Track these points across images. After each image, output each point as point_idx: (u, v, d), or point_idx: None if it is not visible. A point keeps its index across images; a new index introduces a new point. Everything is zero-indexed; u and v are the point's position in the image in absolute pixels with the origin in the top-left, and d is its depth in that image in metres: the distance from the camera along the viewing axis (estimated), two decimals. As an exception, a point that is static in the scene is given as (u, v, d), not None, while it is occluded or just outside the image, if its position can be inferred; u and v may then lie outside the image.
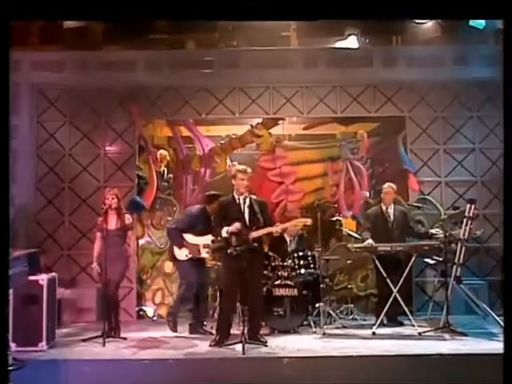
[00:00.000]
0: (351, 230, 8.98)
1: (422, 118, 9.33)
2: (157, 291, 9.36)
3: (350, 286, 8.72)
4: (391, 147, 9.48)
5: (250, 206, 6.45)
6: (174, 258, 7.61)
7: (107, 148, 9.26)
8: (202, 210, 7.48)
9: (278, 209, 9.61)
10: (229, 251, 6.23)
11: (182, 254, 7.47)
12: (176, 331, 7.44)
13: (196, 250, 7.34)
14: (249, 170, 6.54)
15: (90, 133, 9.29)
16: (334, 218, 8.89)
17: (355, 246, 7.61)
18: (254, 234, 6.24)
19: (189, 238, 7.46)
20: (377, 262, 7.45)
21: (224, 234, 6.27)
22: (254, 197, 6.55)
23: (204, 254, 7.36)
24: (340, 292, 8.95)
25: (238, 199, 6.53)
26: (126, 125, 9.25)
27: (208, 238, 7.25)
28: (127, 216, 7.42)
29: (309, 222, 6.59)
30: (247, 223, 6.38)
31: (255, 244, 6.14)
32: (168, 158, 9.66)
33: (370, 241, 7.51)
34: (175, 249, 7.52)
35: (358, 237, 8.23)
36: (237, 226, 6.20)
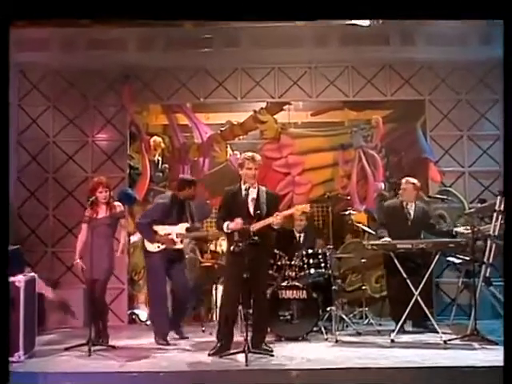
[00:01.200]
0: (365, 225, 8.58)
1: (444, 101, 9.01)
2: None
3: (364, 288, 8.29)
4: (408, 134, 9.15)
5: (257, 199, 6.08)
6: (145, 252, 7.25)
7: (96, 135, 9.00)
8: (172, 197, 7.15)
9: (284, 202, 9.18)
10: (231, 248, 5.91)
11: (153, 246, 7.11)
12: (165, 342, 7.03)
13: (170, 241, 7.01)
14: (258, 157, 6.15)
15: (77, 118, 9.01)
16: (347, 212, 8.33)
17: (372, 242, 7.20)
18: (255, 227, 5.88)
19: (159, 229, 7.12)
20: (396, 260, 6.97)
21: (225, 229, 5.99)
22: (264, 188, 6.21)
23: (179, 245, 7.06)
24: (352, 294, 8.70)
25: (244, 190, 6.16)
26: (117, 110, 9.00)
27: (182, 227, 6.99)
28: (117, 203, 7.00)
29: (307, 207, 6.19)
30: (252, 217, 6.04)
31: (255, 238, 5.81)
32: (162, 145, 9.37)
33: (387, 238, 7.17)
34: (146, 242, 7.16)
35: (373, 233, 7.86)
36: (238, 222, 5.90)
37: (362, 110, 9.45)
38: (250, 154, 6.14)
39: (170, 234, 7.01)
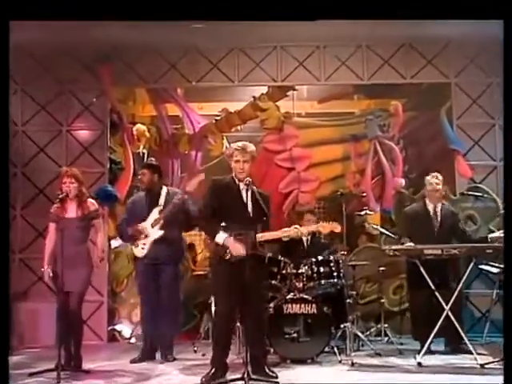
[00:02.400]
0: (384, 227, 8.18)
1: (473, 84, 8.65)
2: (135, 306, 8.53)
3: (382, 301, 7.92)
4: (431, 123, 8.80)
5: (254, 198, 5.63)
6: (134, 259, 7.13)
7: (71, 124, 8.72)
8: (145, 191, 7.07)
9: (288, 201, 9.05)
10: (227, 257, 5.46)
11: (138, 250, 6.90)
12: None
13: (138, 232, 6.87)
14: (250, 147, 5.67)
15: (49, 104, 8.69)
16: (363, 212, 7.96)
17: (394, 247, 6.74)
18: (264, 237, 5.52)
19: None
20: (421, 269, 6.48)
21: (219, 240, 5.50)
22: (255, 188, 5.71)
23: (156, 232, 6.78)
24: (366, 307, 8.46)
25: (239, 186, 5.70)
26: (95, 94, 8.69)
27: (154, 213, 6.74)
28: (91, 201, 6.51)
29: (338, 228, 5.75)
30: (250, 219, 5.59)
31: (262, 250, 5.55)
32: (147, 134, 9.01)
33: (410, 242, 6.74)
34: (133, 248, 6.94)
35: (394, 237, 7.52)
36: (238, 246, 5.48)
37: (378, 95, 9.14)
38: (240, 143, 5.72)
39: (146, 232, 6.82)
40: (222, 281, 5.67)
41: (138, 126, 9.02)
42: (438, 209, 7.17)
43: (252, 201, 5.66)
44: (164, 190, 6.91)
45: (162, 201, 6.80)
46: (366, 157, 9.05)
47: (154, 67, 8.72)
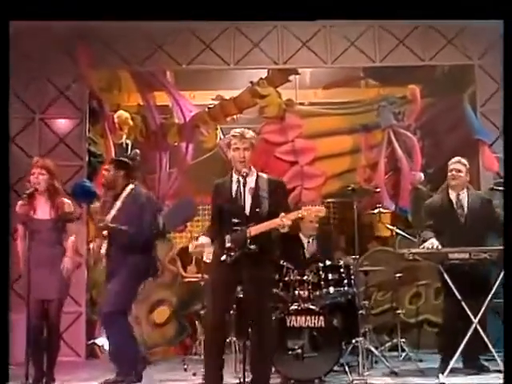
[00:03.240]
0: (399, 228, 7.91)
1: (499, 67, 7.83)
2: None
3: (399, 312, 7.65)
4: (452, 110, 8.67)
5: (255, 189, 5.45)
6: None
7: (45, 111, 8.47)
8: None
9: (290, 198, 8.53)
10: (221, 258, 5.25)
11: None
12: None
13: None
14: (249, 133, 5.50)
15: (20, 89, 8.34)
16: (376, 211, 7.73)
17: (414, 251, 6.35)
18: (253, 231, 5.27)
19: None
20: (446, 275, 6.15)
21: (228, 243, 5.31)
22: (264, 176, 5.60)
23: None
24: (379, 318, 8.34)
25: (236, 181, 5.50)
26: (72, 78, 8.44)
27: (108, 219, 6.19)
28: (65, 200, 6.17)
29: (322, 211, 5.41)
30: (247, 215, 5.37)
31: (252, 246, 5.22)
32: (130, 122, 8.82)
33: (434, 242, 6.25)
34: None
35: (414, 239, 7.34)
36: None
37: (391, 80, 9.07)
38: (238, 130, 5.56)
39: None
40: (212, 285, 5.51)
41: (120, 112, 8.83)
42: (464, 197, 6.61)
43: (252, 193, 5.44)
44: (127, 190, 6.32)
45: (118, 203, 6.26)
46: (378, 149, 8.85)
47: (138, 48, 8.52)
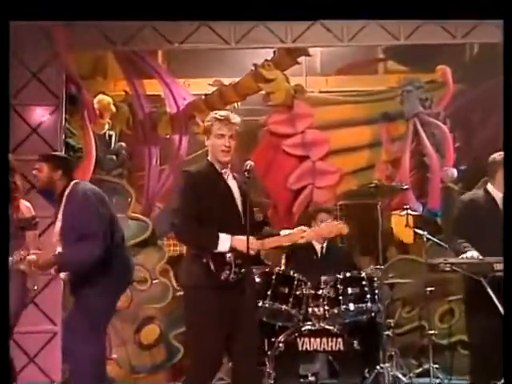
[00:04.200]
0: (430, 234, 7.50)
1: None
2: None
3: (431, 332, 7.30)
4: (488, 98, 8.22)
5: (242, 189, 5.06)
6: None
7: (15, 96, 8.04)
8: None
9: (300, 200, 8.70)
10: (222, 276, 4.73)
11: None
12: None
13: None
14: (236, 118, 5.09)
15: None
16: (403, 213, 7.54)
17: (452, 260, 5.90)
18: (270, 243, 4.93)
19: None
20: (489, 289, 5.66)
21: (222, 248, 4.80)
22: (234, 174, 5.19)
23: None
24: (404, 339, 8.01)
25: (223, 173, 5.04)
26: (47, 59, 8.10)
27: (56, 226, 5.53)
28: (24, 203, 5.90)
29: (345, 229, 5.06)
30: (241, 220, 4.94)
31: (265, 263, 5.33)
32: (113, 108, 8.58)
33: (474, 253, 5.81)
34: None
35: (445, 245, 6.88)
36: (241, 239, 4.80)
37: (417, 61, 8.75)
38: (223, 112, 5.19)
39: None
40: (209, 311, 4.83)
41: (101, 96, 8.56)
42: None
43: (241, 193, 5.04)
44: (67, 192, 5.71)
45: (60, 214, 5.68)
46: (402, 141, 8.66)
47: (123, 25, 8.06)
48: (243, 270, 4.76)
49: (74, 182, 5.55)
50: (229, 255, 4.78)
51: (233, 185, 5.00)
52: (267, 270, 6.48)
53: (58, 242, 5.43)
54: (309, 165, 8.77)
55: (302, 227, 4.94)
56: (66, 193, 5.53)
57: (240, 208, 4.95)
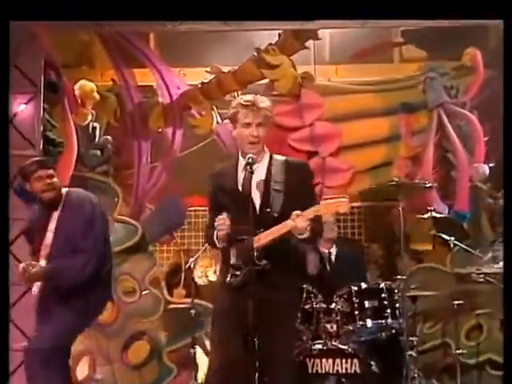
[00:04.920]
0: (457, 240, 7.34)
1: None
2: (81, 356, 8.06)
3: (460, 352, 7.09)
4: None
5: (265, 180, 4.91)
6: None
7: None
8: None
9: None
10: (227, 279, 4.83)
11: None
12: None
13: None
14: (265, 102, 4.96)
15: None
16: (427, 215, 7.25)
17: (488, 270, 6.12)
18: (261, 239, 4.78)
19: None
20: None
21: (233, 259, 4.95)
22: (280, 158, 5.10)
23: None
24: (426, 357, 7.72)
25: (243, 168, 4.99)
26: (23, 40, 7.75)
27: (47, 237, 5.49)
28: None
29: (344, 205, 4.75)
30: (256, 218, 4.81)
31: (262, 262, 4.77)
32: (97, 96, 8.42)
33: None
34: None
35: (478, 254, 7.00)
36: (222, 221, 4.88)
37: (439, 45, 8.55)
38: (249, 96, 5.03)
39: None
40: (218, 319, 5.05)
41: (82, 82, 8.40)
42: None
43: (265, 186, 4.90)
44: (63, 198, 5.63)
45: (52, 225, 5.56)
46: (424, 134, 8.52)
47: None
48: (239, 273, 4.74)
49: (68, 190, 5.54)
50: (232, 257, 4.83)
51: (251, 175, 4.85)
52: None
53: (47, 255, 5.41)
54: (318, 161, 8.58)
55: (296, 211, 4.67)
56: (62, 201, 5.52)
57: (257, 201, 4.87)
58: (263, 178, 4.84)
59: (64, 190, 5.53)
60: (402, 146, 8.65)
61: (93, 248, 5.36)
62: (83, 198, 5.61)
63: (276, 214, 4.75)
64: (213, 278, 8.78)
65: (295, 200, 4.77)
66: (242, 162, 4.92)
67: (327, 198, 4.80)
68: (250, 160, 4.69)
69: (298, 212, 4.62)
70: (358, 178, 8.63)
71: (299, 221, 4.62)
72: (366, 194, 8.66)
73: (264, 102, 4.90)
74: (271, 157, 4.98)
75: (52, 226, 5.44)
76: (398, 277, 6.64)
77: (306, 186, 5.01)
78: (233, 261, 4.81)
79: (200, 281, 8.69)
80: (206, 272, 8.87)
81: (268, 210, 4.75)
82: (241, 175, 4.90)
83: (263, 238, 4.71)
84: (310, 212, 4.73)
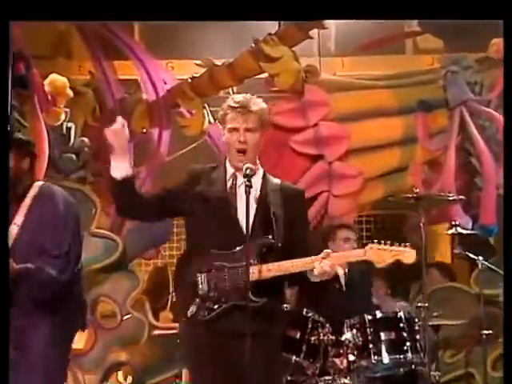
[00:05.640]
0: (483, 257, 7.16)
1: None
2: None
3: None
4: None
5: (263, 199, 4.64)
6: None
7: None
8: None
9: (312, 211, 8.31)
10: (189, 310, 4.50)
11: None
12: None
13: None
14: (259, 103, 4.63)
15: None
16: (450, 231, 7.15)
17: None
18: (264, 273, 4.46)
19: None
20: None
21: (202, 285, 4.61)
22: (273, 179, 4.84)
23: None
24: None
25: (232, 179, 4.69)
26: None
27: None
28: None
29: (410, 256, 4.43)
30: (245, 240, 4.47)
31: (259, 299, 4.45)
32: (70, 93, 8.23)
33: None
34: None
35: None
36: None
37: (461, 34, 8.30)
38: (239, 97, 4.72)
39: None
40: (197, 361, 4.64)
41: (53, 76, 8.26)
42: None
43: (259, 204, 4.62)
44: (31, 192, 5.31)
45: (19, 218, 5.26)
46: (444, 136, 8.43)
47: None
48: (223, 306, 4.37)
49: (42, 183, 5.25)
50: (201, 286, 4.47)
51: (245, 194, 4.48)
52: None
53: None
54: (323, 167, 8.47)
55: (327, 250, 4.37)
56: (33, 194, 5.24)
57: (243, 223, 4.53)
58: (259, 194, 4.59)
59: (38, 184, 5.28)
60: (419, 150, 8.51)
61: (69, 254, 4.99)
62: (60, 196, 5.28)
63: (279, 243, 4.43)
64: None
65: (292, 230, 4.55)
66: (229, 171, 4.66)
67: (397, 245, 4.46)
68: (249, 171, 4.33)
69: (329, 251, 4.31)
70: (369, 185, 8.43)
71: (326, 267, 4.32)
72: (379, 205, 8.55)
73: (258, 104, 4.59)
74: (265, 175, 4.71)
75: (19, 219, 5.12)
76: (419, 304, 6.23)
77: (303, 217, 4.85)
78: (203, 290, 4.43)
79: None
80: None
81: (270, 236, 4.43)
82: (229, 185, 4.66)
83: (269, 269, 4.38)
84: (352, 255, 4.60)
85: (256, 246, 4.47)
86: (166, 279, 8.59)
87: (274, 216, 4.57)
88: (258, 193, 4.58)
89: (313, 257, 4.39)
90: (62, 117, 8.32)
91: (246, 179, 4.41)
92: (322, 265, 4.34)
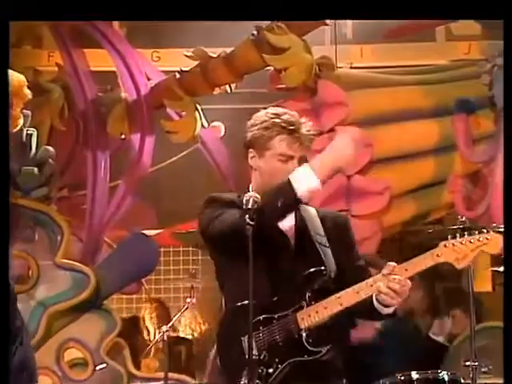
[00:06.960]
0: None
1: None
2: None
3: None
4: None
5: (304, 227, 4.46)
6: None
7: None
8: None
9: None
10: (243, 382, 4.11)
11: None
12: None
13: None
14: (307, 124, 4.33)
15: None
16: (501, 268, 6.70)
17: None
18: (320, 313, 4.22)
19: None
20: None
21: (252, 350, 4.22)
22: (311, 209, 4.61)
23: None
24: None
25: None
26: None
27: None
28: None
29: (495, 243, 4.10)
30: (294, 276, 4.34)
31: (319, 348, 4.17)
32: (28, 93, 7.68)
33: None
34: None
35: None
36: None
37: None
38: (285, 115, 4.35)
39: None
40: None
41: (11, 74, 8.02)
42: None
43: (301, 235, 4.48)
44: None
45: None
46: (489, 143, 8.12)
47: None
48: (280, 368, 4.10)
49: None
50: (247, 350, 4.15)
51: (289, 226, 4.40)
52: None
53: None
54: (341, 181, 8.09)
55: (391, 263, 4.07)
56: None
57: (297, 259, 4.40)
58: (300, 225, 4.36)
59: None
60: (458, 160, 8.24)
61: None
62: None
63: (333, 274, 4.23)
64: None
65: (341, 258, 4.32)
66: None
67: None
68: (252, 202, 4.02)
69: (393, 264, 3.97)
70: (396, 203, 8.16)
71: (396, 280, 3.97)
72: (409, 228, 8.44)
73: (306, 124, 4.22)
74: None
75: None
76: (468, 363, 5.63)
77: (352, 243, 4.46)
78: (252, 355, 4.08)
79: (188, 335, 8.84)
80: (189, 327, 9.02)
81: (322, 268, 4.19)
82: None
83: (324, 310, 4.10)
84: (423, 262, 4.03)
85: (306, 282, 4.25)
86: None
87: (320, 247, 4.31)
88: (297, 223, 4.38)
89: (371, 278, 4.09)
90: (21, 122, 7.89)
91: (249, 211, 4.00)
92: (388, 283, 4.02)
